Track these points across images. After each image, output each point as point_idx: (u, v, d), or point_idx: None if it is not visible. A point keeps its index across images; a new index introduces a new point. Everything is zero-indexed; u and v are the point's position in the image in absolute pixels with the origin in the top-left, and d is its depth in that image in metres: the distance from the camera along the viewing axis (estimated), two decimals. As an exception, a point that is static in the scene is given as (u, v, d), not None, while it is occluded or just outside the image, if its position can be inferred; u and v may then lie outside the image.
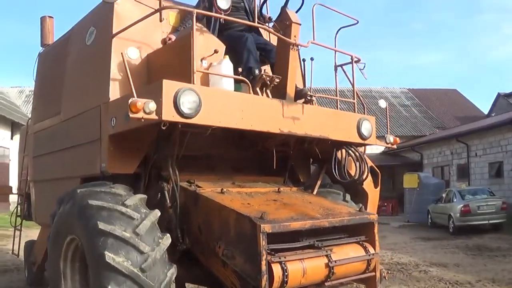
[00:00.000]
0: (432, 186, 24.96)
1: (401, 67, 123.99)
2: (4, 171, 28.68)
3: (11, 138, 30.58)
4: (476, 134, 27.62)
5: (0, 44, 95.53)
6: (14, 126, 30.74)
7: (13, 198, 26.05)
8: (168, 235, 4.88)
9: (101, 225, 4.53)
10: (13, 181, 26.08)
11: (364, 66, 6.76)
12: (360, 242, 5.54)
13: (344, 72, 6.83)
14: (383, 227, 22.10)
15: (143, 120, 4.52)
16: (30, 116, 30.91)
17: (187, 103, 4.67)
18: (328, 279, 5.11)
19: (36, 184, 7.97)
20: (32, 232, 9.83)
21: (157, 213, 4.95)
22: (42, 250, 8.00)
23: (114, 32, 5.68)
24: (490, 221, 19.19)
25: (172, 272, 4.75)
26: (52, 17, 8.31)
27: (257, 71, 5.78)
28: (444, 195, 21.54)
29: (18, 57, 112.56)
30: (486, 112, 43.21)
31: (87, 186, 5.27)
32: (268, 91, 5.84)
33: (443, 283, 9.50)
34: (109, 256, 4.40)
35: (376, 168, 7.19)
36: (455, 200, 20.23)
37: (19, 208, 9.89)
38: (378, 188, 7.25)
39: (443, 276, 10.27)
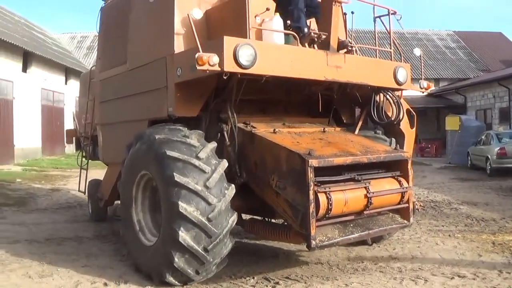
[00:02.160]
0: (473, 129, 24.80)
1: (448, 9, 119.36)
2: (60, 115, 29.34)
3: (65, 83, 30.96)
4: (518, 78, 27.11)
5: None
6: (67, 72, 31.01)
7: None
8: (233, 185, 5.58)
9: (177, 177, 5.25)
10: (68, 125, 26.92)
11: (401, 17, 7.28)
12: (395, 177, 6.21)
13: (383, 23, 7.36)
14: (425, 168, 22.58)
15: (208, 71, 5.29)
16: (82, 61, 31.39)
17: (245, 56, 5.40)
18: (367, 208, 5.82)
19: (104, 126, 8.72)
20: (90, 173, 10.49)
21: (225, 164, 5.64)
22: (109, 187, 8.68)
23: None
24: (527, 165, 19.04)
25: (234, 219, 5.50)
26: None
27: (306, 30, 6.40)
28: (483, 138, 21.57)
29: (69, 4, 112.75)
30: (532, 57, 41.84)
31: (163, 131, 5.88)
32: (315, 46, 6.42)
33: (469, 219, 9.98)
34: (182, 206, 5.16)
35: (412, 110, 7.70)
36: (492, 142, 20.23)
37: (85, 150, 10.61)
38: (414, 128, 7.76)
39: (472, 213, 10.72)
